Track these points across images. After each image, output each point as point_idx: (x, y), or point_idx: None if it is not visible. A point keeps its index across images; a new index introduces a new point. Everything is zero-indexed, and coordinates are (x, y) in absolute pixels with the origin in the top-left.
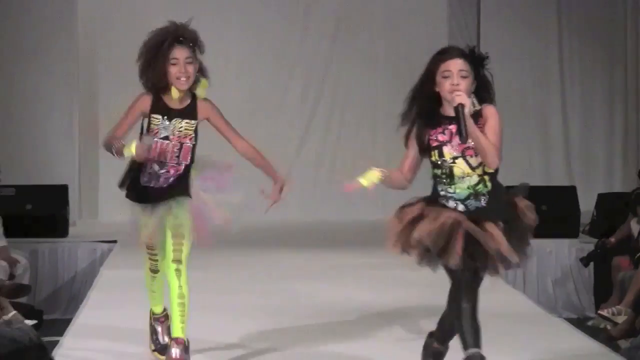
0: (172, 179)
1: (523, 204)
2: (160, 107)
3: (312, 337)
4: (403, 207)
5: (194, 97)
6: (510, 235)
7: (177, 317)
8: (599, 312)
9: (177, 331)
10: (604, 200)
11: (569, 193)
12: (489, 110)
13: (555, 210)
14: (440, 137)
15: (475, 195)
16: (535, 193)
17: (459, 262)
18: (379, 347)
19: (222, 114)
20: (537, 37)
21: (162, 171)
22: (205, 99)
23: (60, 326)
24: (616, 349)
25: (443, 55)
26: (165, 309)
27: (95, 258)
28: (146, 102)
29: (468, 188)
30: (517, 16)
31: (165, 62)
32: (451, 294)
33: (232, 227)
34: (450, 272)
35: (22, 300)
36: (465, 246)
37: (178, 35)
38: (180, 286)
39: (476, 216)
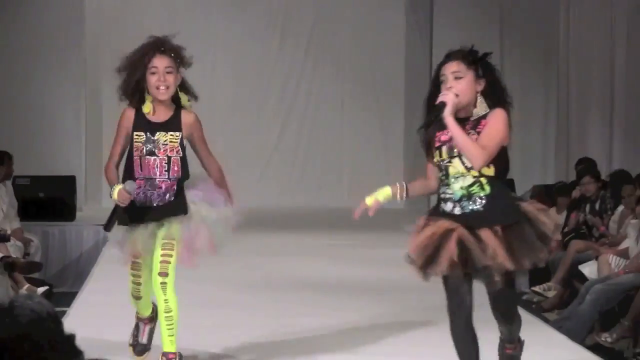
0: (167, 195)
1: (534, 207)
2: (142, 123)
3: (286, 307)
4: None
5: (177, 109)
6: (512, 240)
7: (165, 331)
8: (532, 287)
9: (167, 345)
10: (538, 191)
11: (507, 184)
12: (494, 114)
13: None
14: (443, 138)
15: (469, 196)
16: None
17: (446, 270)
18: (347, 315)
19: (202, 131)
20: (481, 38)
21: (153, 189)
22: (189, 112)
23: (68, 298)
24: (546, 320)
25: (442, 60)
26: (153, 311)
27: (99, 239)
28: (129, 118)
29: (461, 188)
30: (465, 21)
31: (145, 71)
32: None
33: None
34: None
35: (35, 275)
36: (460, 253)
37: (159, 45)
38: (166, 300)
39: (472, 221)
